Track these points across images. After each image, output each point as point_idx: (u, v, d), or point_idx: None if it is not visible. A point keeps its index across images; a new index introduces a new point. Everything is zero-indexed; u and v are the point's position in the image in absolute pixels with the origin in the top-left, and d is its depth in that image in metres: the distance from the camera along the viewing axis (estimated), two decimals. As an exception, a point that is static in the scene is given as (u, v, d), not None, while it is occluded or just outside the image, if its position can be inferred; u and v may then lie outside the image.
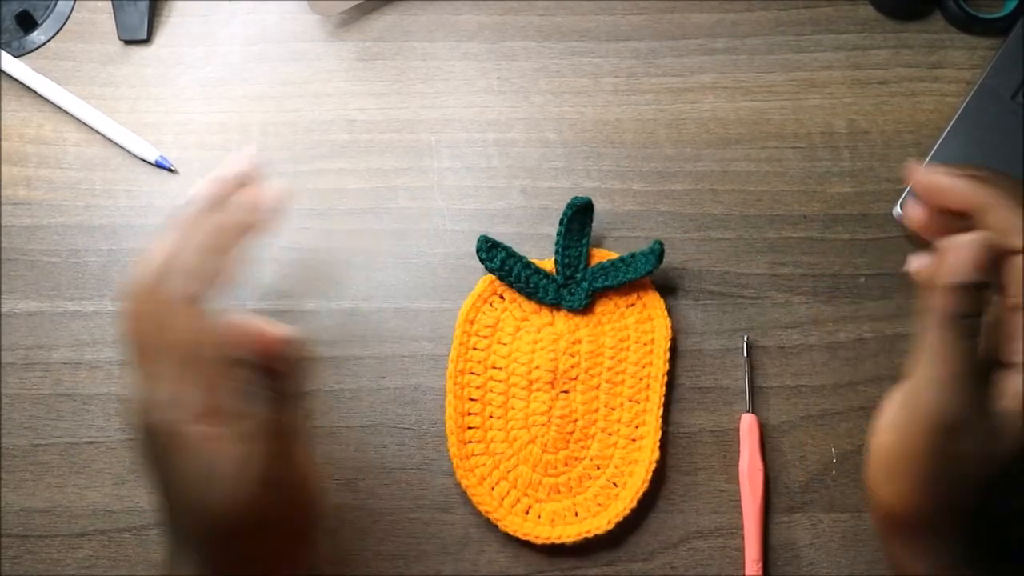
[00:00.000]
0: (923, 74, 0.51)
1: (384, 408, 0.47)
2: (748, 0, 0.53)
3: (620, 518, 0.44)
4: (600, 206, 0.48)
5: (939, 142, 0.49)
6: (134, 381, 0.34)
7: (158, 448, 0.34)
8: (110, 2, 0.53)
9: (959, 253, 0.34)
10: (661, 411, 0.46)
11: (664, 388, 0.46)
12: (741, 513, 0.45)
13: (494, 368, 0.46)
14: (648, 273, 0.46)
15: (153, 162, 0.51)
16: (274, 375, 0.35)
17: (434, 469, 0.46)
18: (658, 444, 0.45)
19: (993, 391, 0.33)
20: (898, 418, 0.35)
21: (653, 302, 0.47)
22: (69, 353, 0.48)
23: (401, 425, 0.47)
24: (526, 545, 0.45)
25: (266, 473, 0.34)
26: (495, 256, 0.46)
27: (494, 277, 0.47)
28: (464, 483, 0.45)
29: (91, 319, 0.48)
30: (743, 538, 0.45)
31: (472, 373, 0.46)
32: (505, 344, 0.47)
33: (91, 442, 0.47)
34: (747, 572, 0.44)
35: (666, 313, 0.47)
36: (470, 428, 0.46)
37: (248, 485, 0.34)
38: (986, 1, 0.52)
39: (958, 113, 0.49)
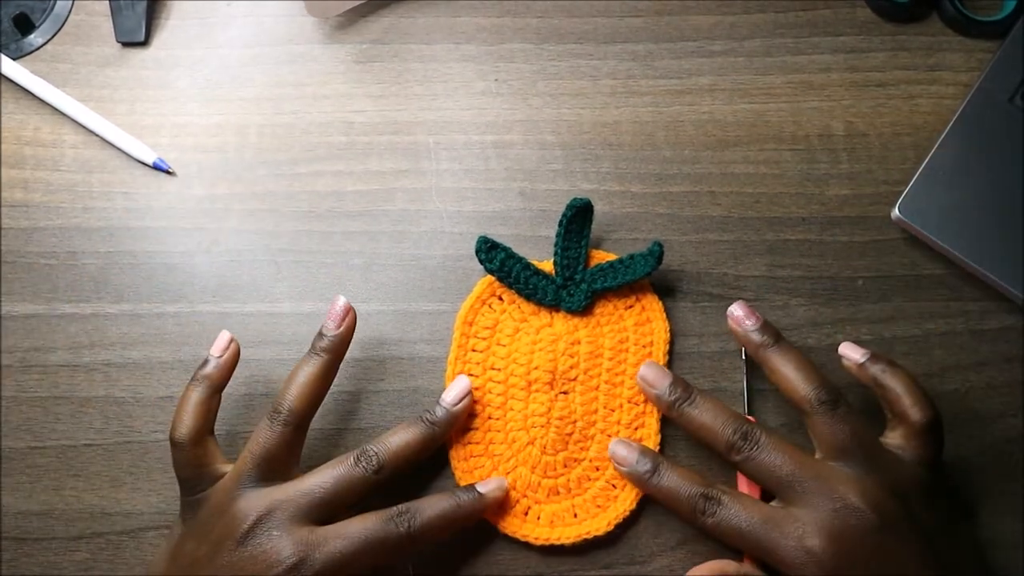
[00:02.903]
0: (921, 76, 0.52)
1: (383, 410, 0.47)
2: (746, 2, 0.53)
3: (619, 520, 0.44)
4: (599, 208, 0.48)
5: (937, 144, 0.49)
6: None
7: None
8: (108, 4, 0.53)
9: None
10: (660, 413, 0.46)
11: (663, 390, 0.46)
12: (740, 515, 0.45)
13: (493, 369, 0.46)
14: (647, 275, 0.46)
15: (151, 164, 0.50)
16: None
17: (433, 471, 0.46)
18: (658, 446, 0.45)
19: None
20: None
21: (652, 304, 0.47)
22: (67, 356, 0.48)
23: (400, 427, 0.47)
24: (525, 546, 0.45)
25: None
26: (494, 257, 0.46)
27: (493, 278, 0.47)
28: (463, 484, 0.45)
29: (89, 321, 0.48)
30: (742, 540, 0.45)
31: (471, 375, 0.46)
32: (504, 345, 0.47)
33: (88, 445, 0.47)
34: (746, 574, 0.44)
35: (665, 315, 0.47)
36: (469, 429, 0.46)
37: None
38: (984, 4, 0.53)
39: (956, 116, 0.49)
